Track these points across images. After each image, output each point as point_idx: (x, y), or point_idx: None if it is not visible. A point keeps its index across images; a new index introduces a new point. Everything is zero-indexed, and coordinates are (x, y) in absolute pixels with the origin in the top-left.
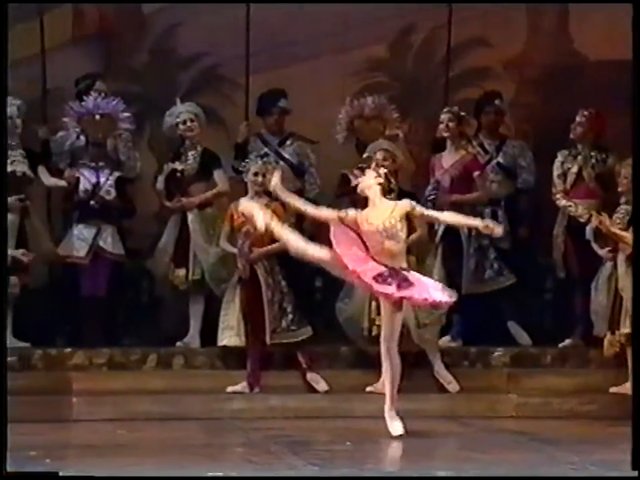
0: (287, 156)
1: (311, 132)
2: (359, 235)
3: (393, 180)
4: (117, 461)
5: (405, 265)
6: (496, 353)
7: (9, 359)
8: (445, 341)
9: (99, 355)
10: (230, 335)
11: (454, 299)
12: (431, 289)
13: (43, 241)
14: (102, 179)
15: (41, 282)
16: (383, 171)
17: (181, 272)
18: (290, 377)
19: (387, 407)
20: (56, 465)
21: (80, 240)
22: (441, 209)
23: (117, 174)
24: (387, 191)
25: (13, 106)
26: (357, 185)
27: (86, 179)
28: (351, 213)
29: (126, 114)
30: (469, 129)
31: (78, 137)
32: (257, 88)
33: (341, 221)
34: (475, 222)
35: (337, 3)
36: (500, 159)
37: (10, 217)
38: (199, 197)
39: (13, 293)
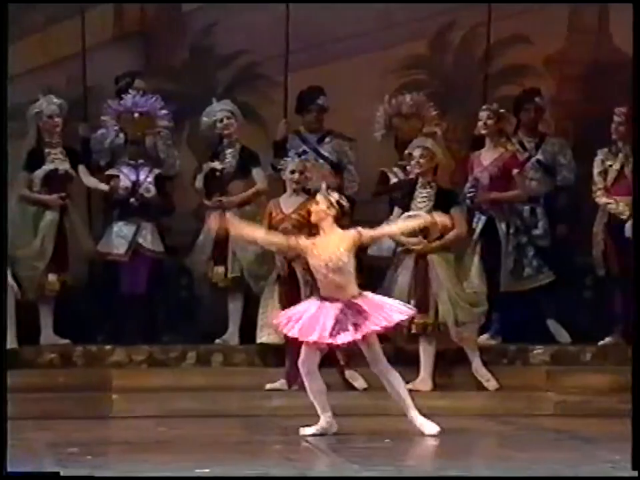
0: (325, 154)
1: (350, 130)
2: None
3: (345, 204)
4: (156, 458)
5: (355, 292)
6: (535, 351)
7: (50, 355)
8: (484, 338)
9: (139, 352)
10: (269, 332)
11: (412, 312)
12: (388, 311)
13: (82, 238)
14: (141, 177)
15: (81, 279)
16: (334, 198)
17: (220, 269)
18: (328, 374)
19: (411, 413)
20: (96, 461)
21: (119, 237)
22: (479, 206)
23: (156, 171)
24: (340, 217)
25: (53, 105)
26: (395, 184)
27: (125, 177)
28: (302, 242)
29: (164, 111)
30: (509, 127)
31: (117, 135)
32: (295, 86)
33: (291, 247)
34: (422, 219)
35: (377, 3)
36: (539, 157)
37: (50, 214)
38: (239, 196)
39: (52, 290)
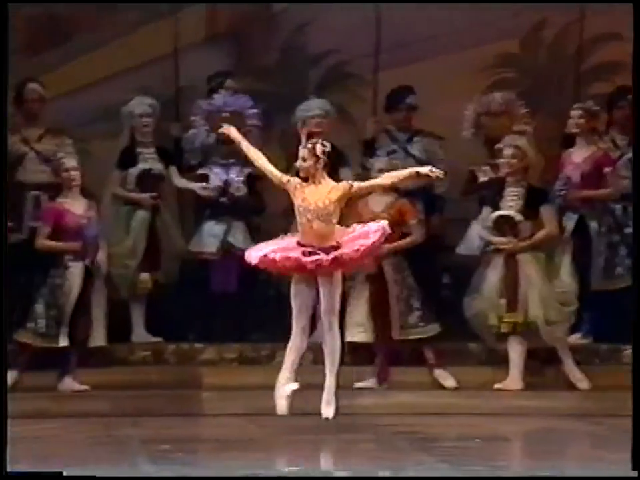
0: (415, 153)
1: (439, 128)
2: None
3: (329, 149)
4: (246, 456)
5: (334, 243)
6: (627, 351)
7: (143, 353)
8: (575, 338)
9: (230, 350)
10: (358, 330)
11: (387, 230)
12: (360, 240)
13: (174, 237)
14: (232, 176)
15: (173, 278)
16: (319, 149)
17: None
18: (418, 373)
19: (329, 380)
20: (187, 459)
21: (211, 236)
22: (570, 204)
23: (247, 171)
24: (328, 165)
25: (144, 104)
26: (484, 182)
27: (216, 176)
28: (291, 183)
29: (253, 110)
30: (600, 124)
31: (208, 135)
32: (384, 84)
33: (281, 183)
34: (413, 170)
35: (468, 3)
36: (632, 154)
37: (142, 213)
38: None
39: (145, 288)
